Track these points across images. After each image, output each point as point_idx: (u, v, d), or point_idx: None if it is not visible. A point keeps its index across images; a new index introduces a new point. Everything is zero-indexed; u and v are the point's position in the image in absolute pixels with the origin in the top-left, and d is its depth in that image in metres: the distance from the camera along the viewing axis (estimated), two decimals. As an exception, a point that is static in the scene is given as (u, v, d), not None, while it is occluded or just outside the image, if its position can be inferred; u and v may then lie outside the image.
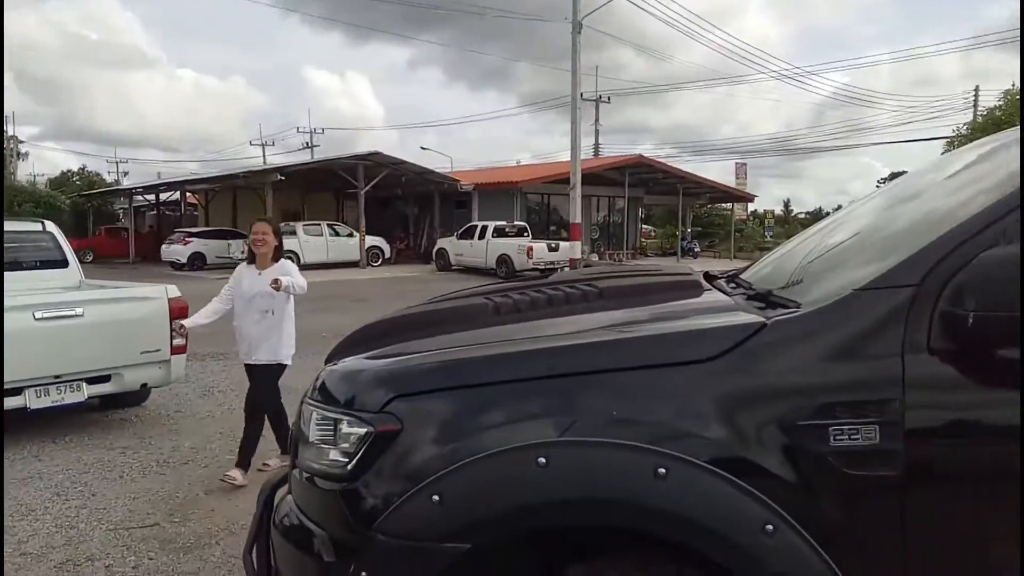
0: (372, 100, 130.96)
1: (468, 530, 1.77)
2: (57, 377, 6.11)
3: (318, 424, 2.02)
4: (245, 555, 2.41)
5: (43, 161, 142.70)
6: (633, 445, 1.73)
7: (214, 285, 24.37)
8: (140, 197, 40.88)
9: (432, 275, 25.95)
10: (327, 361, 2.34)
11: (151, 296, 6.67)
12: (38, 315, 5.97)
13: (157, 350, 6.54)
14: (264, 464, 5.35)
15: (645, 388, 1.82)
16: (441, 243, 28.43)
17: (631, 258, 33.52)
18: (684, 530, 1.71)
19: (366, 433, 1.89)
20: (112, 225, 39.84)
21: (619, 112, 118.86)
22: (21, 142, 65.06)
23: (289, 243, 27.56)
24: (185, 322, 5.71)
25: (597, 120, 48.21)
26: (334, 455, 1.95)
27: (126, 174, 62.13)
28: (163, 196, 40.20)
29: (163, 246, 30.84)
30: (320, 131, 54.74)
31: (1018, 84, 28.02)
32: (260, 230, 5.29)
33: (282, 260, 5.38)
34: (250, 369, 5.36)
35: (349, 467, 1.91)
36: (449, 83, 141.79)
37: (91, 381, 6.29)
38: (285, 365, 5.36)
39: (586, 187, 31.57)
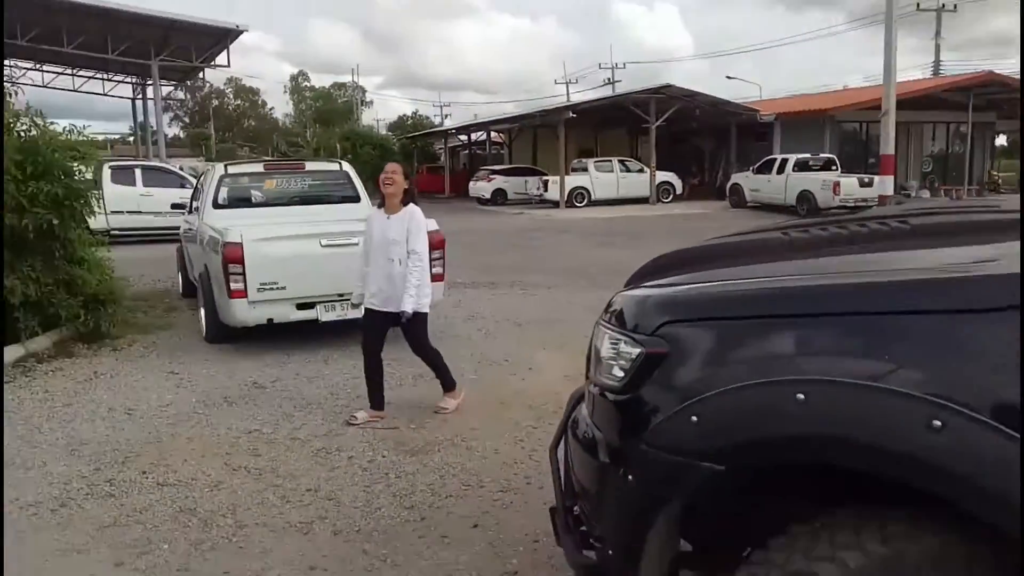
0: (680, 30, 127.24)
1: (721, 452, 1.88)
2: (341, 295, 7.11)
3: (606, 342, 2.26)
4: (551, 451, 2.78)
5: (386, 107, 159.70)
6: (906, 393, 1.68)
7: (510, 219, 25.89)
8: (455, 138, 44.42)
9: (723, 212, 25.21)
10: (625, 287, 2.56)
11: (416, 229, 7.42)
12: (323, 243, 7.01)
13: (421, 277, 7.30)
14: (352, 418, 5.26)
15: (930, 334, 1.74)
16: (735, 178, 27.30)
17: (976, 194, 28.38)
18: (956, 488, 1.63)
19: (638, 354, 2.07)
20: (432, 164, 43.66)
21: (974, 22, 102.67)
22: (365, 91, 74.01)
23: (580, 180, 28.66)
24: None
25: (938, 33, 42.27)
26: (615, 371, 2.17)
27: (447, 116, 67.59)
28: (474, 136, 43.25)
29: (470, 183, 33.46)
30: (621, 66, 54.70)
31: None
32: (389, 170, 5.15)
33: (410, 205, 5.21)
34: (384, 316, 5.24)
35: (624, 383, 2.12)
36: (768, 4, 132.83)
37: (368, 300, 7.24)
38: (423, 314, 5.28)
39: (917, 112, 27.42)
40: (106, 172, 16.27)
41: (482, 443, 4.91)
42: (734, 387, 1.86)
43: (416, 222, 5.13)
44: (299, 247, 7.01)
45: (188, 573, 3.36)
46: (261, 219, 8.12)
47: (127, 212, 16.03)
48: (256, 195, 8.78)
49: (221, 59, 32.22)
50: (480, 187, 32.15)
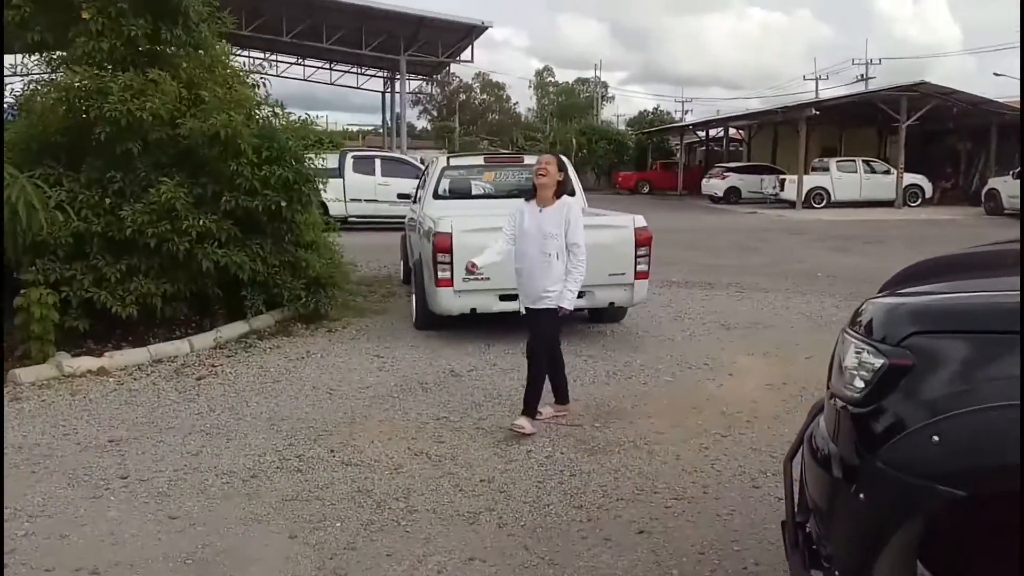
0: (948, 23, 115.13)
1: (964, 477, 1.79)
2: (544, 289, 7.13)
3: (850, 351, 2.18)
4: (785, 463, 2.69)
5: (627, 103, 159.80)
6: None
7: (740, 218, 25.00)
8: (692, 134, 43.49)
9: (976, 219, 22.46)
10: (877, 294, 2.46)
11: (620, 225, 7.29)
12: (530, 236, 7.03)
13: (623, 273, 7.15)
14: (538, 413, 4.95)
15: None
16: (993, 183, 24.24)
17: None
18: None
19: (881, 365, 1.99)
20: (666, 160, 43.04)
21: None
22: (607, 86, 74.63)
23: (819, 179, 27.03)
24: (476, 260, 5.16)
25: None
26: (856, 382, 2.10)
27: (688, 112, 66.20)
28: (712, 132, 42.06)
29: (703, 180, 32.63)
30: (877, 62, 50.84)
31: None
32: (543, 161, 4.92)
33: (564, 197, 4.96)
34: (528, 313, 5.07)
35: (864, 395, 2.04)
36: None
37: (570, 295, 7.19)
38: (567, 311, 4.96)
39: None
40: (348, 161, 17.66)
41: (665, 448, 4.68)
42: (984, 407, 1.76)
43: (574, 213, 4.86)
44: (507, 239, 7.10)
45: (354, 551, 3.47)
46: (476, 210, 8.36)
47: (364, 200, 17.29)
48: (475, 187, 9.05)
49: (466, 55, 33.85)
50: (713, 184, 31.33)
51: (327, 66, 41.19)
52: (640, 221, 7.27)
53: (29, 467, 4.39)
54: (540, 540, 3.57)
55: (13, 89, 7.70)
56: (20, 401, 5.51)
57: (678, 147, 44.48)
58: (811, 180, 27.00)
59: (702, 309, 8.88)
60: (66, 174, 6.90)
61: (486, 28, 30.21)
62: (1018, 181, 22.58)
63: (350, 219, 16.90)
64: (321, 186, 8.09)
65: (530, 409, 4.87)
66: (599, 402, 5.57)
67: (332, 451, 4.61)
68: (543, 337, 4.92)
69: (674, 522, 3.74)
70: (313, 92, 44.84)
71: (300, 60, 39.75)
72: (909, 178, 26.77)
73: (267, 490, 4.09)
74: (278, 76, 40.00)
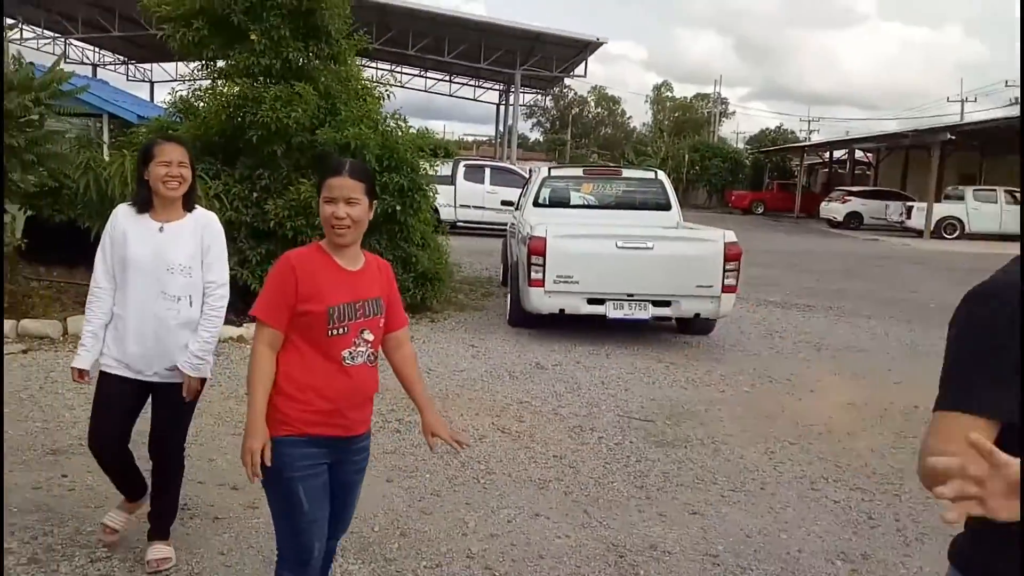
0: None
1: None
2: (630, 296, 7.53)
3: None
4: None
5: (749, 120, 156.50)
6: None
7: (858, 244, 24.13)
8: (814, 154, 42.25)
9: None
10: None
11: (710, 239, 7.60)
12: (619, 244, 7.46)
13: (710, 286, 7.46)
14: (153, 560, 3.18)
15: None
16: None
17: None
18: None
19: None
20: (784, 180, 41.78)
21: None
22: (727, 102, 73.64)
23: (952, 208, 25.47)
24: None
25: None
26: None
27: (814, 132, 64.26)
28: (836, 154, 40.82)
29: (822, 203, 31.57)
30: None
31: None
32: (173, 158, 3.03)
33: (199, 210, 3.16)
34: (140, 388, 3.12)
35: None
36: None
37: (655, 303, 7.57)
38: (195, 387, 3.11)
39: None
40: (460, 170, 18.47)
41: (731, 447, 5.01)
42: None
43: (213, 232, 3.11)
44: (596, 246, 7.55)
45: (438, 497, 4.02)
46: (572, 218, 8.85)
47: (473, 207, 18.05)
48: (575, 197, 9.53)
49: (579, 70, 34.44)
50: (832, 208, 30.24)
51: (447, 78, 42.69)
52: (730, 236, 7.56)
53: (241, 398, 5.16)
54: (600, 508, 4.01)
55: (178, 92, 8.73)
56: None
57: (798, 168, 43.53)
58: (942, 209, 25.49)
59: (795, 329, 9.02)
60: (223, 169, 7.89)
61: (601, 44, 30.62)
62: None
63: (459, 224, 17.67)
64: (434, 193, 8.76)
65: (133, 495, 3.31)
66: (674, 403, 5.92)
67: (426, 420, 5.16)
68: (181, 428, 3.22)
69: (727, 508, 4.10)
70: (432, 102, 46.62)
71: (423, 72, 41.41)
72: (1061, 211, 25.06)
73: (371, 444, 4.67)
74: (402, 87, 41.82)
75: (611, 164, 26.72)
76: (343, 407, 2.36)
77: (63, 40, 32.69)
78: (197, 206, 3.16)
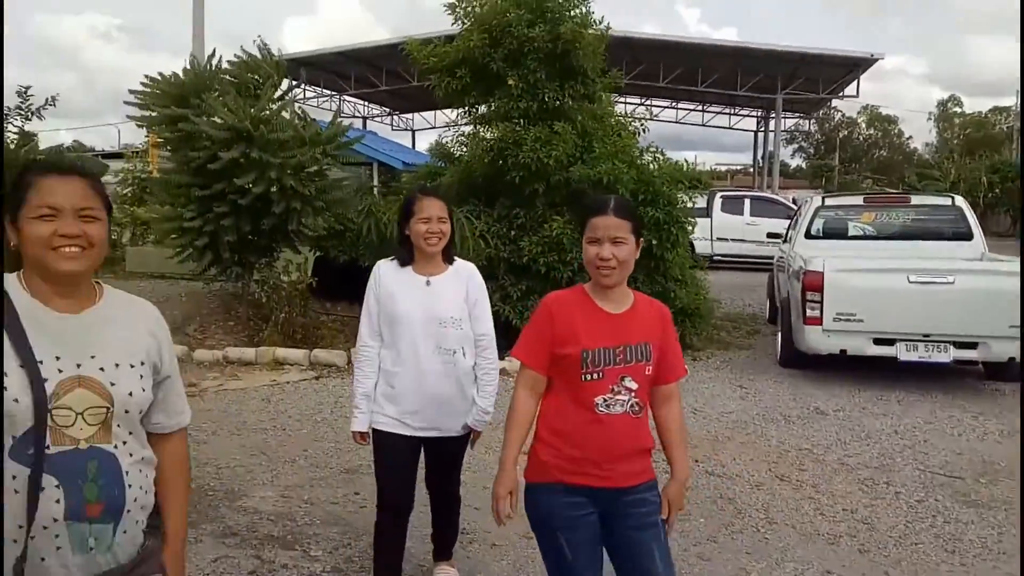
0: None
1: None
2: (926, 336, 6.75)
3: None
4: None
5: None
6: None
7: None
8: None
9: None
10: None
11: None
12: (912, 279, 6.73)
13: (1026, 325, 6.46)
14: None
15: None
16: None
17: None
18: None
19: None
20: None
21: None
22: None
23: None
24: None
25: None
26: None
27: None
28: None
29: None
30: None
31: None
32: (433, 213, 2.97)
33: (459, 261, 3.13)
34: (429, 444, 3.12)
35: None
36: None
37: (957, 345, 6.71)
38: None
39: None
40: (717, 201, 17.92)
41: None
42: None
43: (477, 283, 3.07)
44: (883, 280, 6.87)
45: (715, 544, 3.79)
46: (851, 250, 8.17)
47: (731, 240, 17.37)
48: (853, 227, 8.82)
49: (850, 89, 32.18)
50: None
51: (699, 107, 41.96)
52: None
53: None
54: (903, 571, 3.55)
55: (442, 138, 9.36)
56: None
57: None
58: None
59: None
60: (484, 210, 8.25)
61: (875, 60, 28.28)
62: None
63: (715, 257, 17.15)
64: (692, 227, 8.54)
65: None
66: (986, 459, 5.18)
67: (697, 461, 4.95)
68: (457, 470, 3.25)
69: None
70: (683, 133, 45.93)
71: (674, 104, 41.01)
72: None
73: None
74: (652, 119, 41.75)
75: (893, 190, 24.40)
76: (597, 458, 2.19)
77: (338, 97, 36.55)
78: (456, 257, 3.11)
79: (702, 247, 17.50)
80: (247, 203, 7.51)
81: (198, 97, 7.75)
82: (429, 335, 2.94)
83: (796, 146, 75.98)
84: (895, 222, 8.68)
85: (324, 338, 8.22)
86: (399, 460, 3.02)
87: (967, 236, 8.31)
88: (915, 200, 9.03)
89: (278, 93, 8.53)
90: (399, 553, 3.12)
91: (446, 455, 3.12)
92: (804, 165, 76.54)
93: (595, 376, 2.18)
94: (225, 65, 8.44)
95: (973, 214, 8.55)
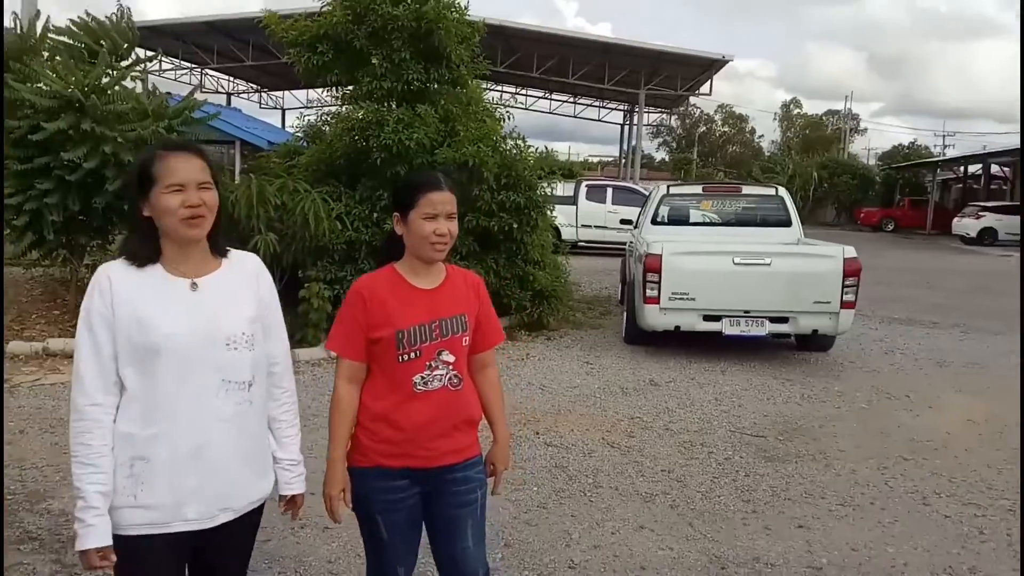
0: None
1: None
2: (746, 312, 7.49)
3: None
4: None
5: (881, 136, 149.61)
6: None
7: (990, 261, 22.82)
8: (948, 170, 40.21)
9: None
10: None
11: (828, 255, 7.46)
12: (736, 261, 7.44)
13: (828, 302, 7.31)
14: None
15: None
16: None
17: None
18: None
19: None
20: (915, 197, 40.02)
21: None
22: (858, 119, 70.96)
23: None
24: None
25: None
26: None
27: (949, 147, 60.84)
28: (971, 169, 38.62)
29: (955, 219, 30.24)
30: None
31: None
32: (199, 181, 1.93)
33: (235, 253, 2.12)
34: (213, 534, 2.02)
35: None
36: None
37: (772, 320, 7.48)
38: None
39: None
40: (582, 189, 18.69)
41: (843, 463, 4.96)
42: None
43: (269, 281, 2.14)
44: (712, 263, 7.55)
45: (544, 509, 4.19)
46: (690, 236, 8.87)
47: (595, 226, 18.19)
48: (695, 215, 9.54)
49: (705, 88, 34.00)
50: (965, 224, 28.98)
51: (571, 99, 43.12)
52: (850, 252, 7.39)
53: (304, 422, 5.58)
54: (705, 521, 4.07)
55: (306, 118, 9.39)
56: (299, 374, 6.84)
57: (931, 184, 41.22)
58: (1082, 224, 24.03)
59: (918, 346, 8.70)
60: (345, 191, 8.37)
61: (726, 62, 30.12)
62: None
63: (580, 243, 17.88)
64: (551, 212, 9.00)
65: None
66: (787, 419, 5.88)
67: (537, 433, 5.38)
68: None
69: (835, 523, 4.08)
70: (557, 123, 47.15)
71: (547, 94, 42.00)
72: None
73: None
74: (526, 109, 42.58)
75: (731, 181, 25.95)
76: (419, 437, 2.18)
77: (199, 70, 35.08)
78: (229, 248, 2.07)
79: (568, 234, 18.23)
80: (77, 179, 7.04)
81: (20, 61, 7.30)
82: (208, 365, 1.90)
83: (661, 140, 79.16)
84: (729, 210, 9.47)
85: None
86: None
87: (787, 223, 9.17)
88: (745, 190, 9.88)
89: (127, 62, 8.10)
90: None
91: (235, 547, 2.10)
92: (667, 158, 79.80)
93: (412, 355, 2.16)
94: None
95: (793, 203, 9.43)
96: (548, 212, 8.91)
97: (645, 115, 38.73)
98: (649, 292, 7.54)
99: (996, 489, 4.58)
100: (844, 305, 7.33)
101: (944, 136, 63.60)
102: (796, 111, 74.79)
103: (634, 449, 5.15)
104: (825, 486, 4.57)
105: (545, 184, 8.88)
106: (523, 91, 40.66)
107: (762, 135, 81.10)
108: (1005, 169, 37.37)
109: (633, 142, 36.57)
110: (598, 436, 5.38)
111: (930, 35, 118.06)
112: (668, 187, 9.99)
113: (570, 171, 21.67)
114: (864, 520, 4.12)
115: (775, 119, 75.17)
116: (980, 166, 37.85)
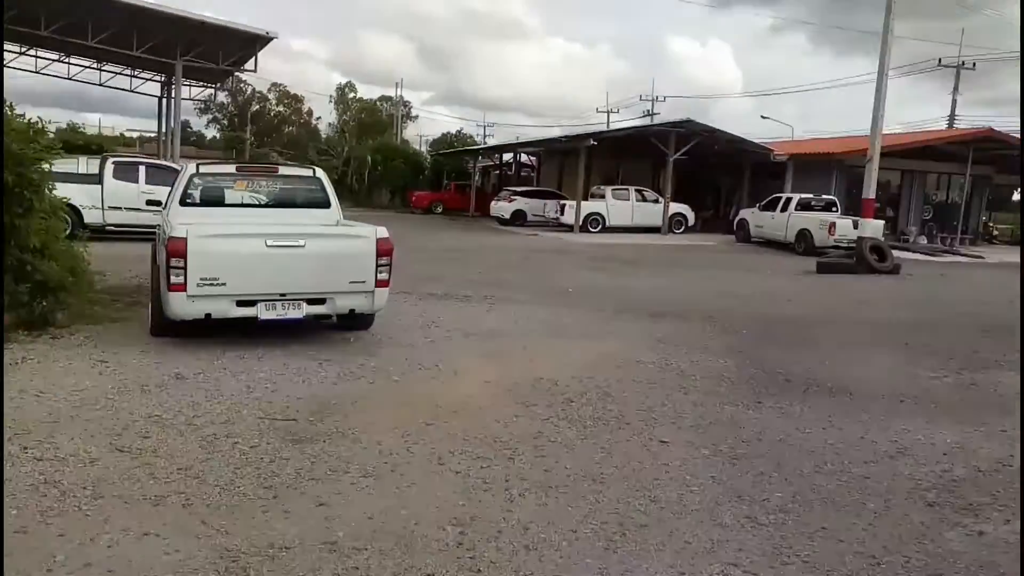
0: (731, 68, 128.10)
1: None
2: (283, 295, 7.32)
3: None
4: None
5: (432, 124, 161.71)
6: None
7: (520, 239, 26.12)
8: (488, 157, 45.06)
9: (727, 246, 25.20)
10: None
11: (362, 235, 7.66)
12: (269, 243, 7.22)
13: (363, 281, 7.50)
14: None
15: None
16: (743, 213, 27.35)
17: (971, 244, 29.31)
18: None
19: None
20: (460, 182, 43.84)
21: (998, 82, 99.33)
22: (410, 105, 75.71)
23: (596, 206, 28.96)
24: None
25: (956, 89, 44.04)
26: None
27: (490, 136, 68.47)
28: (506, 157, 43.78)
29: (492, 202, 33.96)
30: (662, 99, 56.70)
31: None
32: None
33: None
34: None
35: None
36: (815, 48, 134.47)
37: (310, 302, 7.44)
38: None
39: (922, 161, 29.30)
40: (109, 167, 16.76)
41: (370, 436, 5.08)
42: None
43: None
44: (243, 246, 7.22)
45: (25, 534, 3.54)
46: (224, 217, 8.37)
47: (126, 208, 16.41)
48: (229, 195, 9.02)
49: (249, 64, 32.85)
50: (500, 207, 32.62)
51: (95, 66, 38.37)
52: (382, 232, 7.66)
53: None
54: (221, 515, 3.82)
55: None
56: None
57: (474, 170, 45.86)
58: (589, 206, 28.89)
59: (452, 319, 9.44)
60: None
61: (271, 39, 29.51)
62: (763, 212, 25.59)
63: (108, 227, 16.04)
64: (53, 191, 7.78)
65: None
66: (321, 400, 5.85)
67: (25, 448, 4.56)
68: None
69: (355, 495, 4.18)
70: (87, 92, 41.74)
71: (64, 57, 36.72)
72: (675, 207, 29.55)
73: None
74: (36, 72, 36.89)
75: (268, 161, 25.53)
76: None
77: None
78: None
79: (93, 216, 16.22)
80: None
81: None
82: None
83: (211, 117, 75.29)
84: (267, 191, 9.16)
85: None
86: None
87: (326, 204, 9.20)
88: (283, 171, 9.66)
89: None
90: None
91: None
92: (219, 136, 76.32)
93: None
94: None
95: (331, 184, 9.51)
96: (51, 192, 7.66)
97: (187, 88, 36.33)
98: (174, 279, 6.93)
99: (501, 441, 5.09)
100: (379, 284, 7.58)
101: (485, 127, 71.80)
102: (352, 95, 76.92)
103: (148, 451, 4.64)
104: (350, 461, 4.62)
105: (42, 161, 7.59)
106: (32, 52, 35.07)
107: (319, 117, 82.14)
108: (532, 158, 43.21)
109: (173, 117, 33.91)
110: (105, 442, 4.75)
111: (473, 32, 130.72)
112: (198, 166, 9.31)
113: (100, 147, 19.31)
114: (383, 488, 4.25)
115: (331, 101, 76.45)
116: (513, 155, 43.01)
